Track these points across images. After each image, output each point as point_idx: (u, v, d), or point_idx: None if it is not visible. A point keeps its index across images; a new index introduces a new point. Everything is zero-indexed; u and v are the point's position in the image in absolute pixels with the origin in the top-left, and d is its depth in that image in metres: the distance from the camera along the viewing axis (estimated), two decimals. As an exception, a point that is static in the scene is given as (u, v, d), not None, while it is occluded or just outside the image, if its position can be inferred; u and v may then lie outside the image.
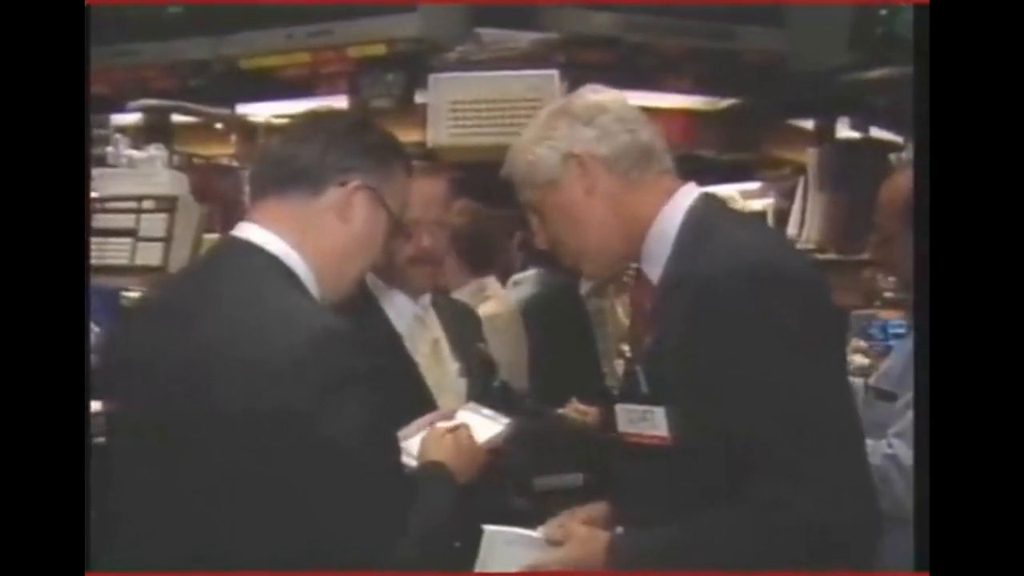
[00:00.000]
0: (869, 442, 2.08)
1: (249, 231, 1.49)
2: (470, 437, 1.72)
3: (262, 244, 1.47)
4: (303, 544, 1.33)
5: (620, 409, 1.61)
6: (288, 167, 1.50)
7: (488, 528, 1.59)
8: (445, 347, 2.13)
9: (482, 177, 2.21)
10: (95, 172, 3.19)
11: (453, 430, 1.72)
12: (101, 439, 1.48)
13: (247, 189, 3.42)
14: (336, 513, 1.34)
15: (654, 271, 1.61)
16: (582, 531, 1.62)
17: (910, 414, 2.01)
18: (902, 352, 2.17)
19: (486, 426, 1.78)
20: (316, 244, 1.49)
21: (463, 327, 2.24)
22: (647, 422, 1.55)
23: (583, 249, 1.66)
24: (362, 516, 1.35)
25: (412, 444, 1.73)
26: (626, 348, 1.67)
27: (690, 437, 1.51)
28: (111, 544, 1.43)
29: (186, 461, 1.36)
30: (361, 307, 1.94)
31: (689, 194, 1.62)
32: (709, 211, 1.61)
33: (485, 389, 2.11)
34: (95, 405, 1.47)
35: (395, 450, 1.50)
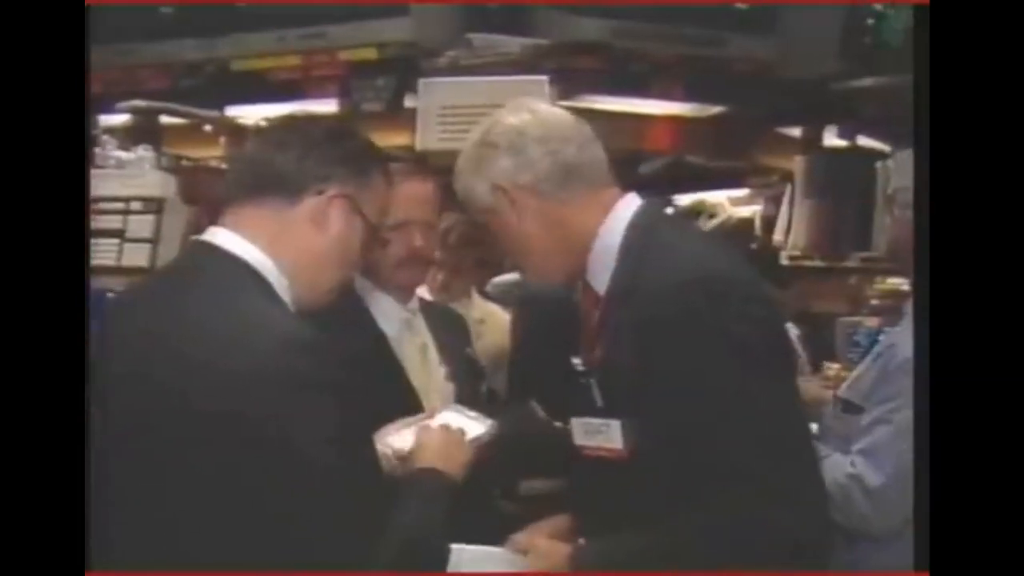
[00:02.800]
0: (836, 456, 2.08)
1: (219, 236, 1.48)
2: (462, 433, 1.73)
3: (232, 249, 1.46)
4: (278, 549, 1.32)
5: (575, 422, 1.62)
6: (264, 174, 1.49)
7: (454, 547, 1.60)
8: (432, 351, 2.14)
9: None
10: (83, 172, 3.20)
11: (446, 427, 1.73)
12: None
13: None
14: (305, 521, 1.33)
15: (600, 284, 1.61)
16: (544, 544, 1.64)
17: (877, 431, 1.99)
18: (874, 365, 2.15)
19: (470, 427, 1.79)
20: (290, 252, 1.48)
21: (450, 332, 2.24)
22: (603, 435, 1.57)
23: (527, 264, 1.70)
24: (330, 523, 1.34)
25: (396, 440, 1.74)
26: (577, 361, 1.65)
27: (645, 448, 1.53)
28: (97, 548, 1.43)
29: (158, 464, 1.35)
30: (348, 311, 1.94)
31: (629, 206, 1.62)
32: (650, 223, 1.61)
33: (473, 394, 2.12)
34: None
35: (365, 457, 1.49)
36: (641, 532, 1.52)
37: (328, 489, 1.34)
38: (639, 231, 1.59)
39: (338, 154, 1.51)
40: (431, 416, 1.82)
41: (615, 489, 1.58)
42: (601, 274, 1.60)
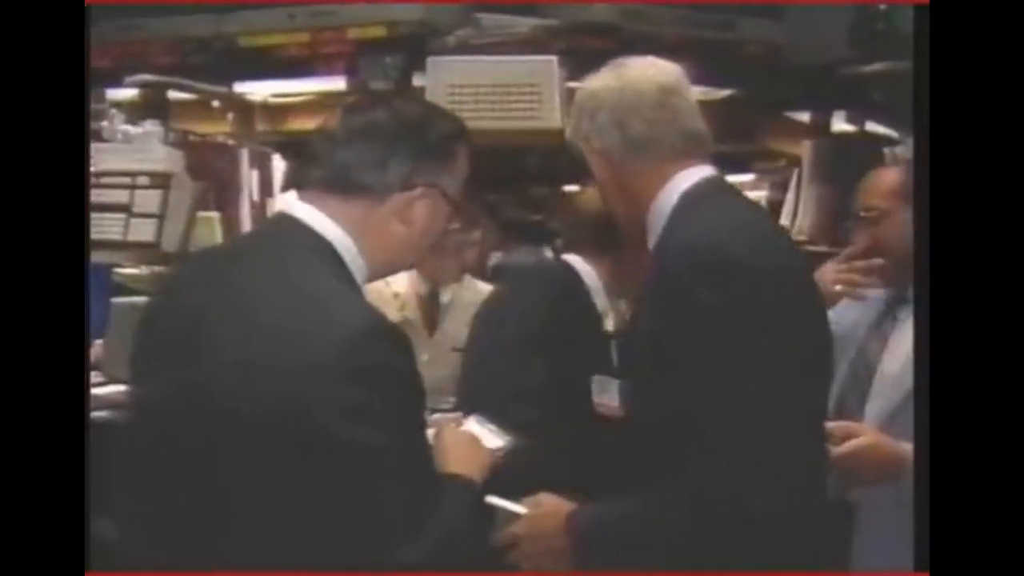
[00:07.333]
0: None
1: (302, 211, 1.47)
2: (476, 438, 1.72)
3: (312, 225, 1.45)
4: (320, 538, 1.32)
5: (594, 379, 1.76)
6: (349, 176, 1.47)
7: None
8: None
9: (479, 161, 2.22)
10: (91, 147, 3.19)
11: (465, 432, 1.72)
12: (119, 415, 1.47)
13: (242, 165, 3.39)
14: (358, 509, 1.32)
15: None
16: (551, 499, 1.67)
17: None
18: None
19: (490, 440, 1.81)
20: (375, 242, 1.48)
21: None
22: (607, 393, 1.65)
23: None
24: (384, 516, 1.33)
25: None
26: (607, 323, 1.75)
27: (638, 409, 1.57)
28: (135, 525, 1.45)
29: (220, 442, 1.35)
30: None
31: (689, 177, 1.64)
32: (703, 194, 1.63)
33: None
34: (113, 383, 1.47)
35: (427, 450, 1.47)
36: (631, 496, 1.55)
37: (384, 481, 1.33)
38: (689, 201, 1.61)
39: (422, 147, 1.49)
40: (458, 423, 1.83)
41: (614, 450, 1.64)
42: (653, 238, 1.66)
